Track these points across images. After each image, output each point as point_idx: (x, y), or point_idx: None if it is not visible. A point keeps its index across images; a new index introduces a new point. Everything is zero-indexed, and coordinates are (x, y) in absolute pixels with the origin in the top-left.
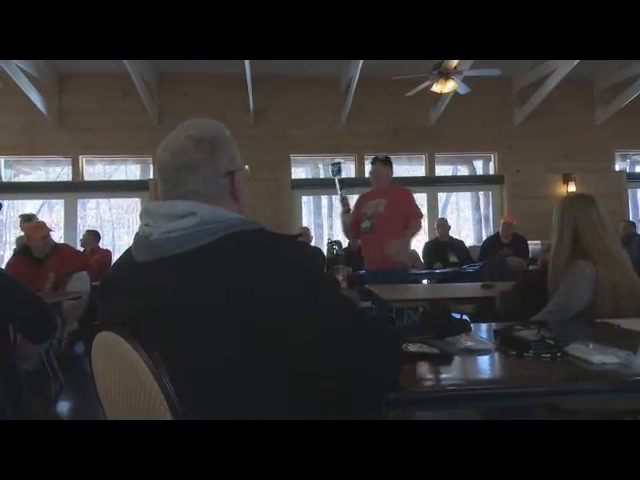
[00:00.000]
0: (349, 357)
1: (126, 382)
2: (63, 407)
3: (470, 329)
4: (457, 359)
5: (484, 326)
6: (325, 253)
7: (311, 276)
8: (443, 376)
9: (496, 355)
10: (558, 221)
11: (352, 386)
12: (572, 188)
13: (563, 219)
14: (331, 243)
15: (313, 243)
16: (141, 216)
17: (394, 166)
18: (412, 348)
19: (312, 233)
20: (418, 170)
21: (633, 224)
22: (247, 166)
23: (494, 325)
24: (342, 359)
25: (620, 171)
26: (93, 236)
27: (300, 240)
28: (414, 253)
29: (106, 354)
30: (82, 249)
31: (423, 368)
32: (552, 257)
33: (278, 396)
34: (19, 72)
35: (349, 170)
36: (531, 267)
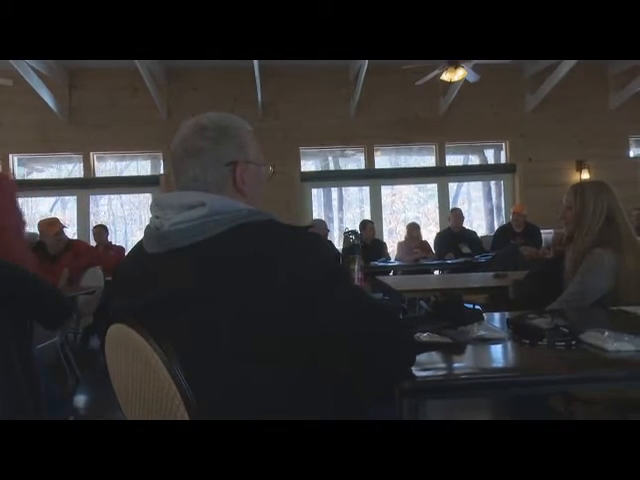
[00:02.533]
0: (361, 347)
1: (139, 374)
2: (80, 401)
3: (483, 318)
4: (470, 348)
5: (497, 315)
6: (342, 243)
7: (322, 267)
8: (456, 365)
9: (509, 344)
10: (590, 205)
11: (364, 375)
12: (586, 175)
13: (598, 203)
14: (348, 233)
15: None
16: (151, 208)
17: (404, 156)
18: (425, 337)
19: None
20: (428, 160)
21: None
22: (271, 167)
23: (507, 314)
24: (354, 349)
25: (635, 157)
26: (104, 229)
27: (311, 231)
28: (425, 244)
29: (119, 346)
30: (95, 244)
31: (436, 357)
32: (578, 242)
33: (291, 387)
34: (29, 70)
35: (359, 162)
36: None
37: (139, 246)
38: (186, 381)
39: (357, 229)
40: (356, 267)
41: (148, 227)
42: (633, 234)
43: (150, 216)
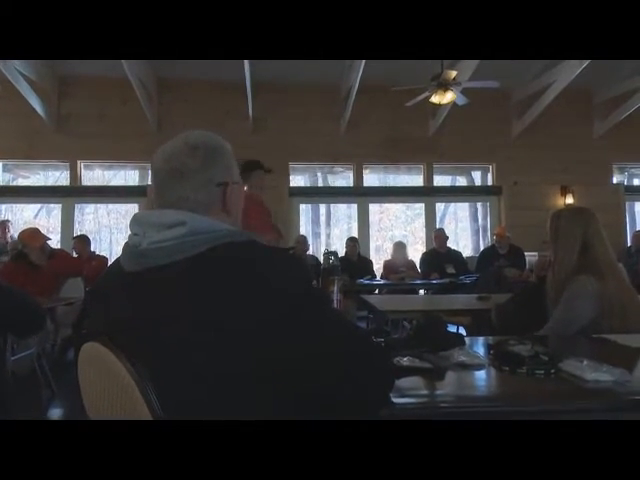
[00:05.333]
0: (336, 372)
1: (111, 394)
2: (54, 414)
3: (464, 343)
4: (450, 374)
5: (479, 340)
6: (322, 263)
7: (300, 290)
8: (435, 392)
9: (489, 371)
10: (564, 233)
11: (340, 401)
12: (570, 200)
13: (572, 231)
14: (327, 254)
15: (310, 252)
16: (131, 225)
17: (392, 175)
18: (404, 362)
19: (309, 241)
20: (416, 180)
21: None
22: (246, 187)
23: (489, 339)
24: (329, 373)
25: (618, 184)
26: (84, 241)
27: (291, 253)
28: (412, 263)
29: (92, 365)
30: (75, 255)
31: (415, 383)
32: (556, 270)
33: (264, 409)
34: (19, 76)
35: (348, 179)
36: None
37: (117, 263)
38: (158, 402)
39: (337, 250)
40: (335, 289)
41: (126, 244)
42: (613, 260)
43: (129, 233)
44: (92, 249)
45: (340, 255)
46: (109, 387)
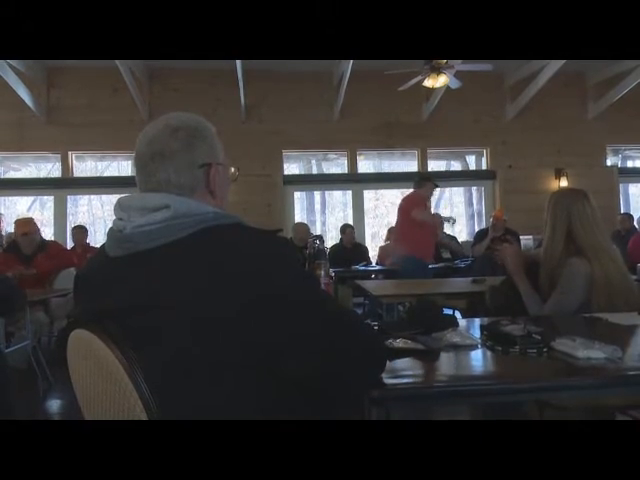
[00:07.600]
0: (327, 353)
1: (100, 380)
2: (52, 406)
3: (457, 324)
4: (443, 355)
5: (473, 321)
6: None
7: (287, 271)
8: (428, 372)
9: (482, 351)
10: (550, 216)
11: (332, 382)
12: (564, 183)
13: (556, 214)
14: (312, 238)
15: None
16: (115, 210)
17: (387, 161)
18: (397, 344)
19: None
20: (411, 165)
21: (631, 217)
22: (233, 168)
23: (482, 320)
24: (320, 355)
25: (612, 166)
26: (83, 230)
27: (279, 235)
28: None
29: (80, 352)
30: (73, 245)
31: (408, 364)
32: (544, 253)
33: (256, 393)
34: (7, 68)
35: (342, 166)
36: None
37: (102, 249)
38: (148, 388)
39: (331, 236)
40: (322, 273)
41: (111, 229)
42: (600, 243)
43: (114, 217)
44: (87, 241)
45: (335, 242)
46: (98, 373)
